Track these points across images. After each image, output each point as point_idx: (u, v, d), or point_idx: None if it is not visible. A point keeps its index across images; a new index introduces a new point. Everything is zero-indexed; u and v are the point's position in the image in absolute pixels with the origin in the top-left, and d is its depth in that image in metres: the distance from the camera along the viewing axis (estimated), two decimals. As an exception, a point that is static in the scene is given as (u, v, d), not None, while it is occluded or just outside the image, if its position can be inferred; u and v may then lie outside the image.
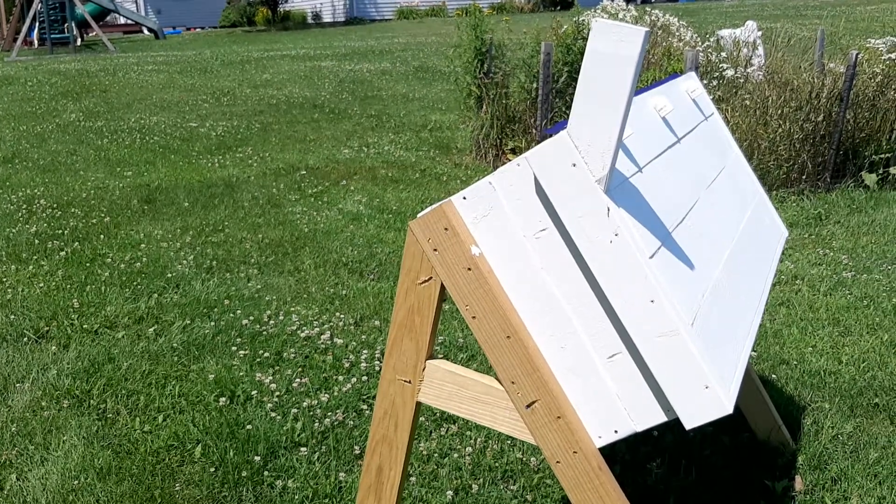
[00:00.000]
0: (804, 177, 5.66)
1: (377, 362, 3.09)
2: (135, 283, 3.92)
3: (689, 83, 2.34)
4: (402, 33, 20.29)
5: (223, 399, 2.79)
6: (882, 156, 5.86)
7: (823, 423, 2.66)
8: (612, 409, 1.51)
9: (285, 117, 9.05)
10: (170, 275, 4.04)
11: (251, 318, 3.51)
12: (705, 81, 5.96)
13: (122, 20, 27.58)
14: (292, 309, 3.62)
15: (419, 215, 1.60)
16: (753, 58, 6.65)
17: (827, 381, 2.95)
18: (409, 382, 1.70)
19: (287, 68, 13.43)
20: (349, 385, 2.90)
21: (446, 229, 1.55)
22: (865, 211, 5.21)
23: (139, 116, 9.12)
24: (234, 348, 3.21)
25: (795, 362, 3.09)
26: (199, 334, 3.34)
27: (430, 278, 1.61)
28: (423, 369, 1.68)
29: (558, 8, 25.52)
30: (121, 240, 4.63)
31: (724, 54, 6.54)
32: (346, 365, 3.07)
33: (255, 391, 2.86)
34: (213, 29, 28.41)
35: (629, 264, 1.39)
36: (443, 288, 1.61)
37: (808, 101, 5.67)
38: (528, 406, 1.55)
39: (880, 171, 5.83)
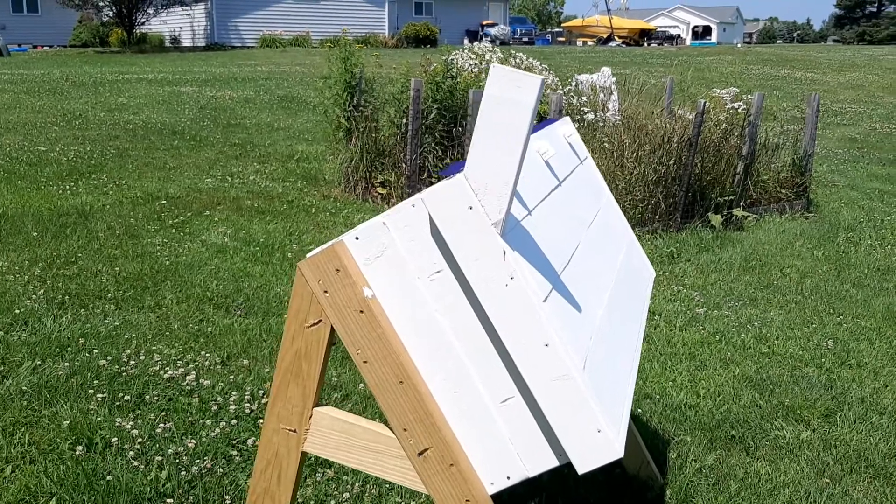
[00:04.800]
0: (657, 216, 5.97)
1: (247, 405, 2.96)
2: (-24, 321, 3.60)
3: (565, 127, 2.41)
4: (265, 62, 19.99)
5: (80, 447, 2.59)
6: (726, 198, 6.28)
7: (687, 456, 2.77)
8: (505, 455, 1.51)
9: (143, 143, 8.66)
10: (17, 311, 3.74)
11: (109, 357, 3.28)
12: (568, 123, 6.19)
13: (-42, 33, 25.70)
14: (154, 347, 3.43)
15: (309, 255, 1.55)
16: (609, 102, 6.98)
17: (688, 414, 3.09)
18: (295, 432, 1.63)
19: (144, 92, 12.90)
20: (217, 429, 2.76)
21: (338, 270, 1.51)
22: (712, 249, 5.55)
23: (-21, 138, 8.48)
24: (90, 391, 2.99)
25: (658, 396, 3.22)
26: (52, 376, 3.09)
27: (320, 321, 1.56)
28: (310, 417, 1.61)
29: (425, 46, 25.96)
30: (-41, 272, 4.25)
31: (584, 98, 6.83)
32: (214, 408, 2.92)
33: (115, 438, 2.66)
34: (63, 48, 27.00)
35: (524, 308, 1.39)
36: (332, 331, 1.56)
37: (660, 146, 6.00)
38: (420, 454, 1.52)
39: (725, 213, 6.24)
